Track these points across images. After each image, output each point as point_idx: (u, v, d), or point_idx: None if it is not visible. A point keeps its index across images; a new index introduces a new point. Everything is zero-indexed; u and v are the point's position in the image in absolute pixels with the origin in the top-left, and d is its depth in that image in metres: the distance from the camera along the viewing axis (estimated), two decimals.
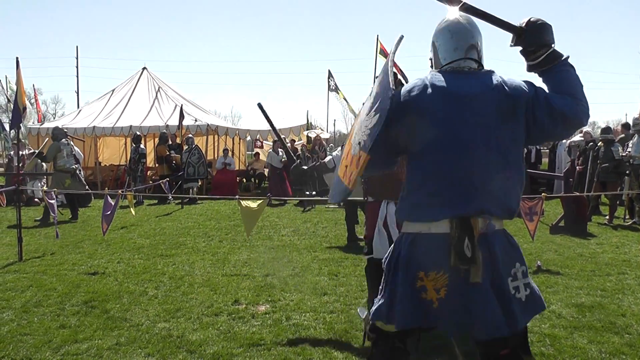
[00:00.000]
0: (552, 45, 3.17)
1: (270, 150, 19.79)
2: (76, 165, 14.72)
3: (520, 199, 3.18)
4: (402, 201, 3.16)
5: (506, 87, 3.03)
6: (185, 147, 18.82)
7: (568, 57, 3.16)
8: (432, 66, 3.32)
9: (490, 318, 2.89)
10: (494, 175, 2.97)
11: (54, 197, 10.02)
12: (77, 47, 63.73)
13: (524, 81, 3.13)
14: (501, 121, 2.98)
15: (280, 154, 18.22)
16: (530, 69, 3.25)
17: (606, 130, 13.71)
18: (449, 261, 2.91)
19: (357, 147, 3.00)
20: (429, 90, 3.02)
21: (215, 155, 22.52)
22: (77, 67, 56.87)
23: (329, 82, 18.13)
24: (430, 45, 3.33)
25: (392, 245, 3.26)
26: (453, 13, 3.27)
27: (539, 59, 3.16)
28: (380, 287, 3.22)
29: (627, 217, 12.94)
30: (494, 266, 2.95)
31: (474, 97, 2.99)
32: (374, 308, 3.20)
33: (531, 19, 3.22)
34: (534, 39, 3.18)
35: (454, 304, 2.93)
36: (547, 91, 3.08)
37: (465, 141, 2.96)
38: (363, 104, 3.38)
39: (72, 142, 15.04)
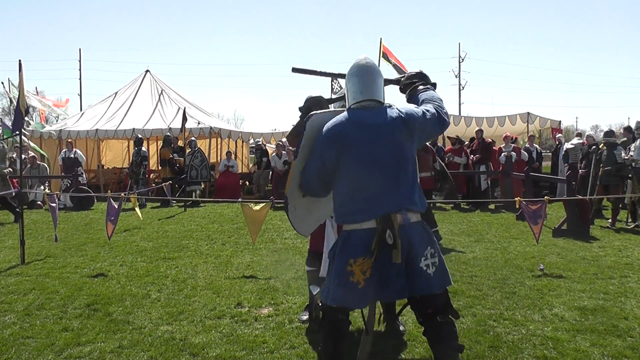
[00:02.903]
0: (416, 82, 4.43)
1: (274, 154, 19.81)
2: (8, 170, 14.92)
3: (421, 193, 4.01)
4: (338, 210, 4.00)
5: (403, 116, 3.90)
6: (188, 150, 18.83)
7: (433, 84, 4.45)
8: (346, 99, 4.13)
9: (398, 286, 3.70)
10: (402, 181, 3.85)
11: (56, 200, 10.02)
12: (79, 49, 63.66)
13: (420, 107, 4.07)
14: (403, 141, 3.87)
15: (284, 156, 18.24)
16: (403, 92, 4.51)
17: (609, 133, 13.70)
18: (374, 249, 3.71)
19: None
20: (348, 123, 3.88)
21: (218, 158, 22.54)
22: (79, 69, 57.27)
23: (332, 85, 18.14)
24: (344, 85, 4.16)
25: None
26: (360, 60, 4.11)
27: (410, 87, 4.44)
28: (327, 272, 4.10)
29: (630, 220, 12.92)
30: (410, 249, 3.73)
31: (382, 125, 3.85)
32: (322, 288, 4.10)
33: (404, 79, 4.55)
34: (407, 87, 4.49)
35: (377, 280, 3.72)
36: (426, 107, 4.06)
37: (379, 158, 3.82)
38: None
39: (6, 145, 15.30)
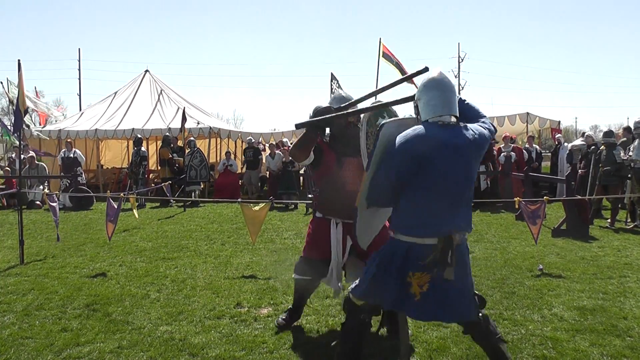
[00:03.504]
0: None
1: (267, 154, 19.85)
2: None
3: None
4: (402, 221, 3.98)
5: (477, 138, 3.93)
6: (187, 150, 18.82)
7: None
8: (417, 114, 4.10)
9: (461, 307, 3.92)
10: (465, 202, 3.98)
11: (56, 199, 10.02)
12: (79, 49, 63.77)
13: (483, 125, 4.09)
14: (473, 162, 3.96)
15: (277, 156, 18.24)
16: None
17: (608, 133, 13.71)
18: (435, 266, 3.81)
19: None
20: (428, 141, 3.81)
21: (218, 159, 22.54)
22: (79, 69, 57.23)
23: (331, 84, 18.10)
24: (417, 95, 4.08)
25: (386, 245, 4.10)
26: (436, 71, 4.08)
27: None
28: (366, 272, 4.13)
29: (629, 220, 12.92)
30: (463, 266, 3.91)
31: (460, 146, 3.85)
32: (353, 286, 4.21)
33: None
34: None
35: (433, 296, 3.83)
36: (486, 126, 4.11)
37: (453, 179, 3.87)
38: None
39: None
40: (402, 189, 3.91)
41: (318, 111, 5.12)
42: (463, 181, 3.92)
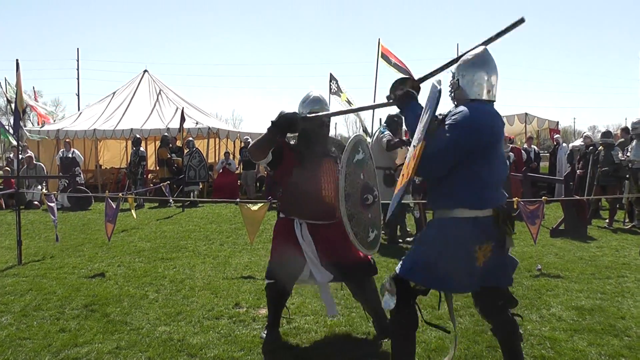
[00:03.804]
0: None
1: None
2: None
3: None
4: (458, 196, 3.96)
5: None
6: (186, 150, 18.80)
7: None
8: (456, 88, 4.14)
9: (509, 272, 4.16)
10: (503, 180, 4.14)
11: (54, 200, 10.01)
12: (77, 49, 63.76)
13: None
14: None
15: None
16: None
17: (606, 134, 13.74)
18: (496, 234, 3.97)
19: (411, 148, 3.91)
20: (498, 119, 3.99)
21: (216, 159, 22.52)
22: (77, 69, 57.15)
23: (330, 85, 18.06)
24: (462, 71, 4.12)
25: (443, 227, 4.05)
26: (486, 52, 4.14)
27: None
28: (425, 256, 4.02)
29: (627, 220, 12.95)
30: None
31: (502, 126, 4.05)
32: (408, 271, 4.03)
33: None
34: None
35: (493, 262, 4.00)
36: None
37: (503, 158, 4.12)
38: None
39: None
40: (464, 162, 3.89)
41: (282, 116, 5.10)
42: (505, 160, 4.19)
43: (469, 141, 3.83)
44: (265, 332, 5.50)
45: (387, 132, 10.50)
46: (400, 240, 10.66)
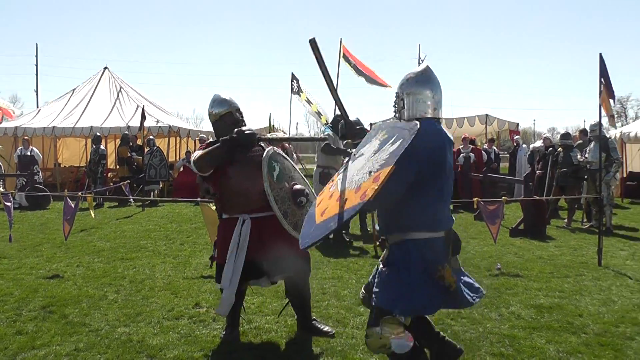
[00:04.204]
0: None
1: None
2: None
3: None
4: (412, 219, 3.93)
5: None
6: (146, 149, 18.63)
7: None
8: (402, 107, 4.07)
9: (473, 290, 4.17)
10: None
11: (11, 199, 9.84)
12: (36, 44, 62.76)
13: None
14: None
15: None
16: None
17: (565, 136, 13.93)
18: (447, 256, 4.05)
19: (365, 176, 3.69)
20: (445, 138, 3.99)
21: (177, 158, 22.39)
22: (36, 65, 56.25)
23: (292, 84, 18.07)
24: (412, 89, 4.03)
25: (403, 252, 3.97)
26: (429, 70, 4.10)
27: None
28: (395, 285, 3.91)
29: (585, 220, 13.16)
30: None
31: (451, 144, 4.06)
32: (392, 306, 3.86)
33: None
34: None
35: (462, 282, 4.08)
36: None
37: (450, 177, 4.08)
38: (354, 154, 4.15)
39: None
40: (417, 187, 3.82)
41: (244, 135, 5.13)
42: (451, 177, 4.09)
43: (428, 165, 3.83)
44: (224, 332, 5.50)
45: (329, 132, 10.55)
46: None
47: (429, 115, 3.98)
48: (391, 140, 3.73)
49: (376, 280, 4.09)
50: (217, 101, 5.58)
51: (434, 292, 3.90)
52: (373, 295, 4.02)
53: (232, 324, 5.49)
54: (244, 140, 5.09)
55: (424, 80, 4.04)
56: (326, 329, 5.62)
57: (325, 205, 3.92)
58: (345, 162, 4.24)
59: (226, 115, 5.52)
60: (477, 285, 4.25)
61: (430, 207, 3.94)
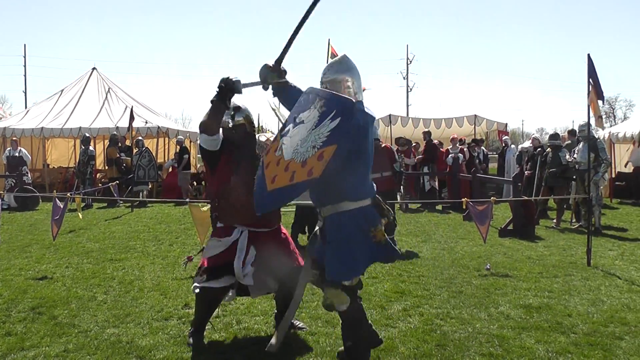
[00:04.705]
0: None
1: None
2: None
3: None
4: (346, 190, 4.43)
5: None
6: (135, 150, 18.58)
7: None
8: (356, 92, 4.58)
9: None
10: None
11: None
12: (24, 45, 62.19)
13: None
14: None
15: None
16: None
17: (554, 136, 14.00)
18: (379, 218, 4.54)
19: (310, 150, 4.17)
20: (371, 120, 4.37)
21: (166, 158, 22.33)
22: (24, 66, 55.94)
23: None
24: (352, 76, 4.59)
25: (340, 221, 4.48)
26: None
27: None
28: (340, 253, 4.47)
29: (574, 220, 13.23)
30: None
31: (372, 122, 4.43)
32: (337, 274, 4.49)
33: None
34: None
35: (389, 239, 4.55)
36: None
37: (371, 149, 4.53)
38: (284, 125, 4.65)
39: None
40: (349, 161, 4.28)
41: (230, 80, 5.13)
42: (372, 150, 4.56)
43: (360, 140, 4.33)
44: (190, 340, 5.39)
45: None
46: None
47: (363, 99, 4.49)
48: (330, 116, 4.17)
49: (325, 257, 4.58)
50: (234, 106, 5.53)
51: (367, 250, 4.48)
52: (325, 272, 4.58)
53: (199, 328, 5.46)
54: (230, 85, 5.07)
55: (344, 69, 4.57)
56: (300, 324, 5.76)
57: (274, 172, 4.37)
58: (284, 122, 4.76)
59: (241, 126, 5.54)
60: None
61: (360, 178, 4.49)
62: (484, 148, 20.01)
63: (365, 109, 4.30)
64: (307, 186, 4.21)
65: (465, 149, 18.63)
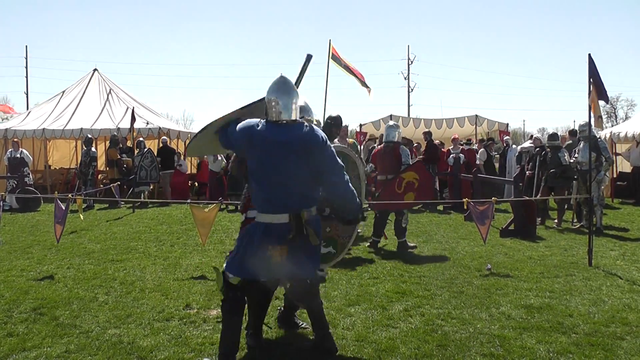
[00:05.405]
0: None
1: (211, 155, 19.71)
2: None
3: (315, 196, 4.96)
4: (253, 200, 4.98)
5: (305, 135, 4.68)
6: (136, 151, 18.59)
7: None
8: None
9: (306, 267, 4.80)
10: (299, 186, 4.74)
11: (1, 201, 9.81)
12: (26, 46, 62.28)
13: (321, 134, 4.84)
14: (296, 156, 4.65)
15: (219, 158, 17.99)
16: None
17: (553, 136, 13.99)
18: (288, 238, 4.67)
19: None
20: (258, 133, 4.72)
21: None
22: (26, 67, 55.98)
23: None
24: (268, 94, 4.82)
25: (249, 225, 5.04)
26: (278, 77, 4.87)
27: None
28: (234, 250, 4.95)
29: (575, 220, 13.22)
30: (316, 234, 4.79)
31: (284, 142, 4.64)
32: (227, 264, 4.88)
33: None
34: None
35: (291, 261, 4.67)
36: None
37: (277, 165, 4.67)
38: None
39: None
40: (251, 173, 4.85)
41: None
42: (285, 167, 4.67)
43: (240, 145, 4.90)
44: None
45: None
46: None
47: (273, 119, 4.75)
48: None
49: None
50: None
51: (258, 264, 4.74)
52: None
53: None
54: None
55: (272, 89, 4.81)
56: (303, 324, 5.79)
57: None
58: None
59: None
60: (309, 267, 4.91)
61: (258, 193, 4.90)
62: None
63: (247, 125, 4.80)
64: None
65: (482, 149, 18.67)
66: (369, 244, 10.31)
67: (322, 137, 4.78)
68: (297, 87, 5.04)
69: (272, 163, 4.68)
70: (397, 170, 10.27)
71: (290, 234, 4.65)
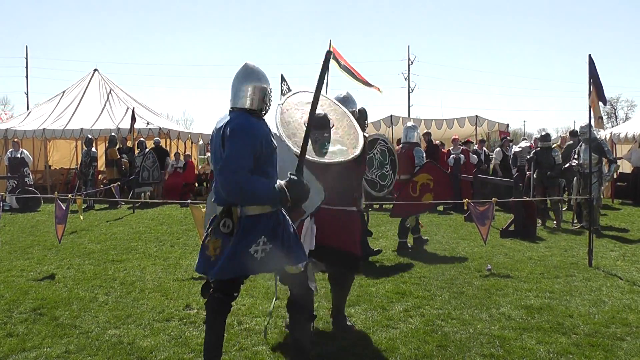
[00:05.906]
0: None
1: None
2: None
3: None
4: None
5: (228, 123, 4.42)
6: (137, 151, 18.58)
7: None
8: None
9: (223, 264, 4.42)
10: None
11: (1, 201, 9.80)
12: (26, 46, 62.34)
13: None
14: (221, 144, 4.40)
15: None
16: None
17: (544, 137, 14.04)
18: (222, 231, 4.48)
19: None
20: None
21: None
22: (26, 67, 55.91)
23: (281, 86, 18.06)
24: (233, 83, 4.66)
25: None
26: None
27: None
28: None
29: (575, 221, 13.21)
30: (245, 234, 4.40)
31: (218, 129, 4.49)
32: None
33: None
34: None
35: (223, 255, 4.44)
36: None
37: (214, 153, 4.52)
38: None
39: None
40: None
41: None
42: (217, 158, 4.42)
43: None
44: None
45: None
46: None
47: (246, 107, 4.52)
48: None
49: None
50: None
51: (200, 259, 4.74)
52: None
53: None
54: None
55: (240, 76, 4.63)
56: (349, 323, 5.84)
57: None
58: None
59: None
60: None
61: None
62: (485, 149, 19.99)
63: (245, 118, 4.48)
64: None
65: (498, 149, 18.68)
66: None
67: (236, 125, 4.37)
68: (322, 85, 4.81)
69: (212, 152, 4.60)
70: (412, 171, 10.26)
71: (225, 227, 4.46)
